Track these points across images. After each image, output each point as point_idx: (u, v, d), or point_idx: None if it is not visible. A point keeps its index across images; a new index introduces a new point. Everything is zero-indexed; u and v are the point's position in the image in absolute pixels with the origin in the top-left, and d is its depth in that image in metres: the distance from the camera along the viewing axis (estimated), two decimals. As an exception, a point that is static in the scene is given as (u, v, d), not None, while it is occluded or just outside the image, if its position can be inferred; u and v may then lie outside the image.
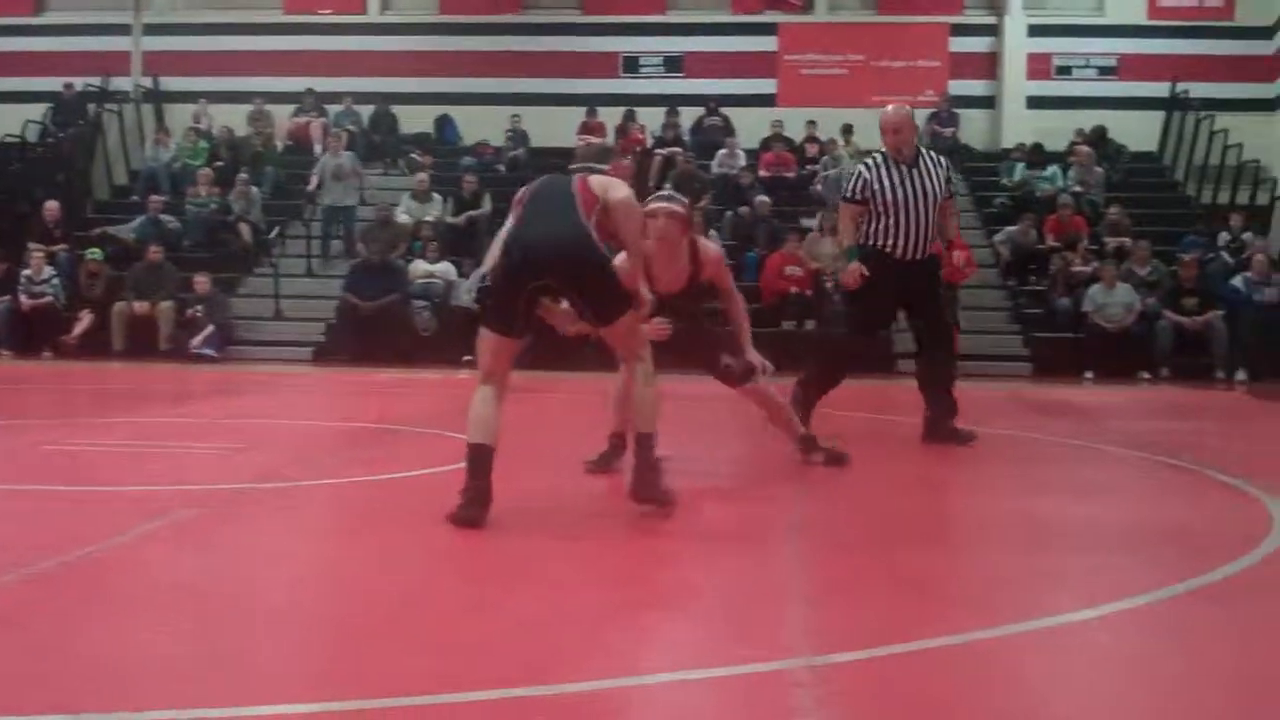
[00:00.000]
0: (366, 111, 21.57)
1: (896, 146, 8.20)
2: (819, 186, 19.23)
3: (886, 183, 8.12)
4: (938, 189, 8.16)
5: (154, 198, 18.98)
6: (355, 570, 4.72)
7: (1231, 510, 6.20)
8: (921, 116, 20.33)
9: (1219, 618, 4.14)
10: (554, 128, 20.49)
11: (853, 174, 8.48)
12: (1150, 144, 20.91)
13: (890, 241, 8.15)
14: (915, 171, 8.14)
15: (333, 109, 21.59)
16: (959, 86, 21.28)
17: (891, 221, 8.11)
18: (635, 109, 20.95)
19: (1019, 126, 20.89)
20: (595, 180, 5.49)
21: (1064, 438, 9.37)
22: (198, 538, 5.16)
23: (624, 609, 4.09)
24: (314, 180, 18.84)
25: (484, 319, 5.46)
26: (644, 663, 3.54)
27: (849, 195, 8.32)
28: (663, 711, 3.16)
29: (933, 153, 8.48)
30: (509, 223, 5.56)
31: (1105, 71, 21.47)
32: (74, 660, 3.43)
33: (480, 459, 5.22)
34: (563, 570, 4.60)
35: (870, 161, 8.34)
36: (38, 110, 21.30)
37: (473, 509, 5.13)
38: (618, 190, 5.43)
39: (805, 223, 17.66)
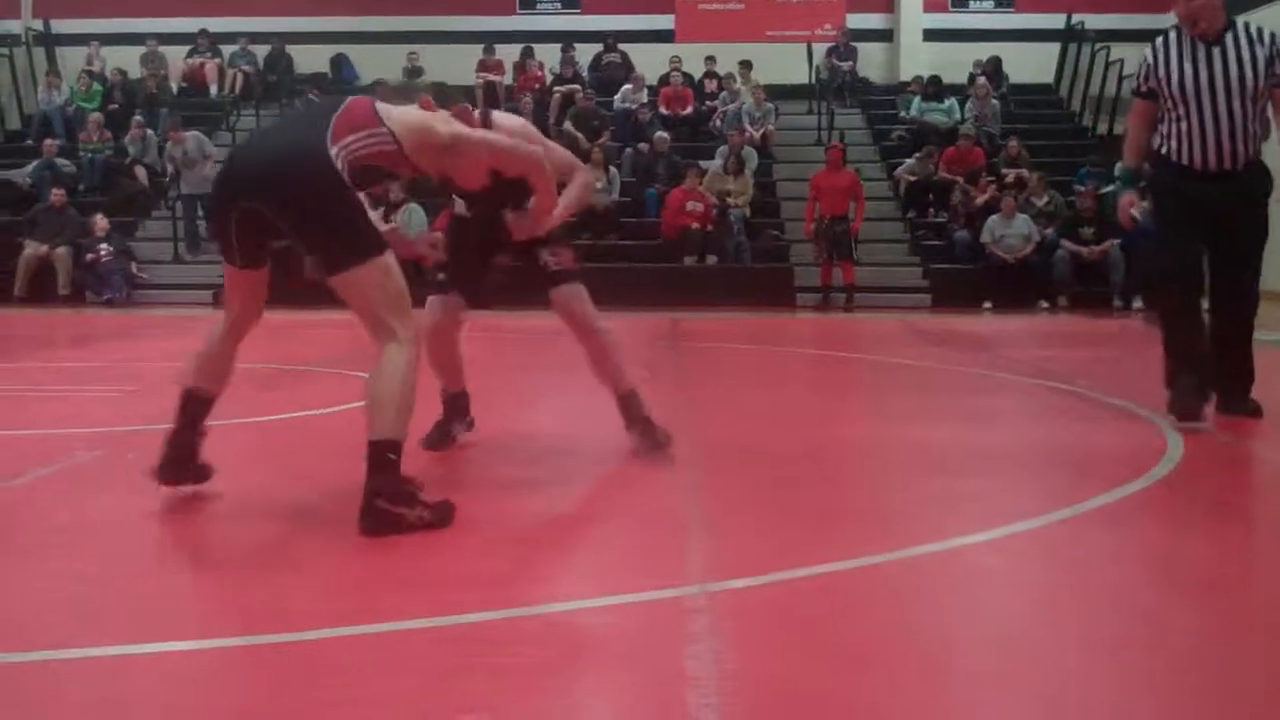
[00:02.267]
0: (262, 52, 21.25)
1: (1192, 17, 6.22)
2: (718, 122, 19.27)
3: (1179, 67, 6.24)
4: (1256, 74, 6.17)
5: (49, 142, 18.62)
6: (245, 508, 4.71)
7: (1125, 434, 6.32)
8: (819, 51, 20.47)
9: (1108, 539, 4.26)
10: (452, 65, 20.26)
11: (1141, 60, 6.46)
12: (1047, 76, 21.13)
13: (1186, 148, 6.25)
14: (1220, 51, 6.19)
15: (227, 49, 21.25)
16: (857, 20, 21.36)
17: (1188, 121, 6.22)
18: (533, 45, 20.81)
19: (916, 60, 21.03)
20: (388, 109, 4.37)
21: (959, 366, 9.53)
22: (95, 479, 5.13)
23: (518, 542, 4.13)
24: (169, 170, 18.22)
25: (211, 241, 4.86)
26: (541, 593, 3.59)
27: (1136, 88, 6.48)
28: (561, 638, 3.21)
29: (1252, 26, 6.33)
30: None
31: (1002, 3, 21.65)
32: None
33: (192, 405, 4.51)
34: (462, 510, 4.62)
35: (1160, 41, 6.38)
36: (-77, 54, 20.77)
37: (171, 467, 4.47)
38: (439, 125, 4.42)
39: (704, 162, 17.67)
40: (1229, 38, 6.21)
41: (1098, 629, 3.29)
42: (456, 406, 5.71)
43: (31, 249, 16.46)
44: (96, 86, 20.45)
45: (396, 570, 3.75)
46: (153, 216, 18.20)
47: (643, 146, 18.54)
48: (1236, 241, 6.32)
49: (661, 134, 18.50)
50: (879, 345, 11.97)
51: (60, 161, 18.37)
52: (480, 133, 4.66)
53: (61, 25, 21.75)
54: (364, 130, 4.23)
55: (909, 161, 18.16)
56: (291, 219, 4.17)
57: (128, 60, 20.96)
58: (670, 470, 5.28)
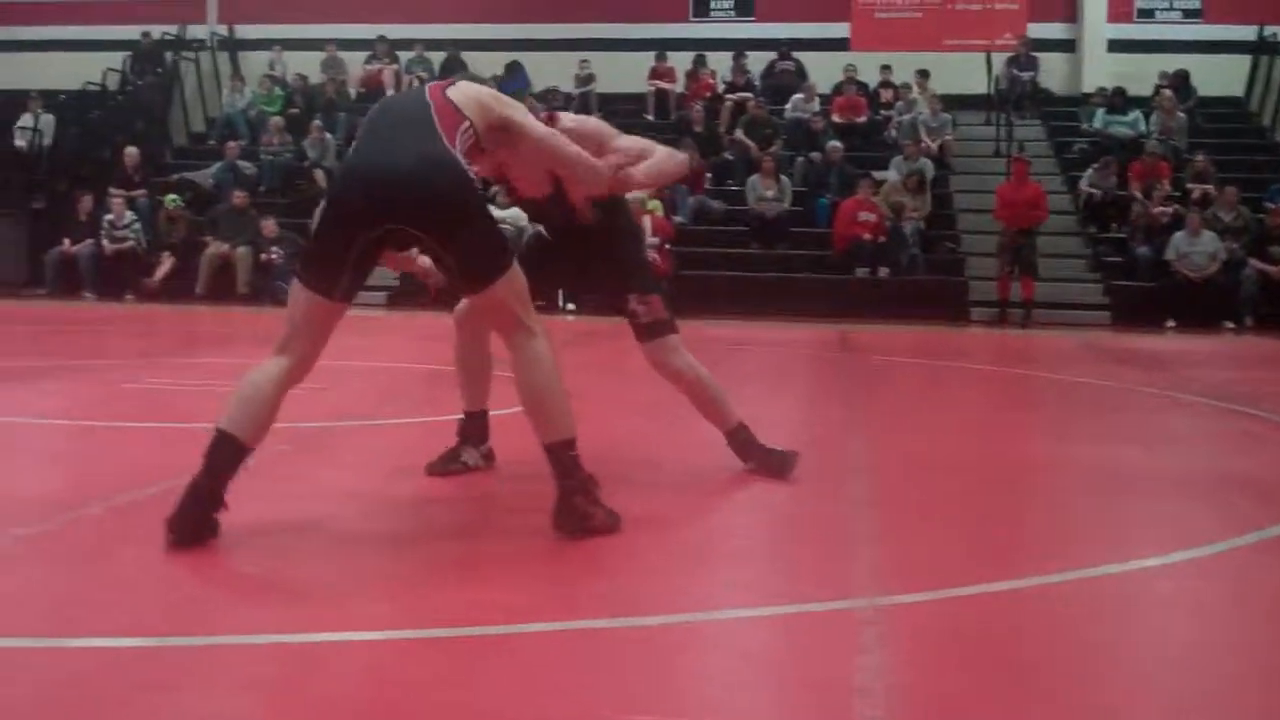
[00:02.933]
0: (437, 58, 21.60)
1: None
2: (893, 132, 19.07)
3: None
4: None
5: (231, 144, 19.18)
6: (435, 504, 4.77)
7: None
8: (999, 61, 20.13)
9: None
10: (623, 73, 20.44)
11: None
12: (1236, 89, 20.49)
13: None
14: None
15: (404, 55, 21.65)
16: (1038, 29, 20.92)
17: None
18: (705, 54, 20.82)
19: (1099, 70, 20.55)
20: (459, 91, 4.15)
21: (1139, 386, 9.28)
22: (279, 473, 5.24)
23: (692, 550, 4.11)
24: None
25: (302, 271, 4.10)
26: (712, 600, 3.57)
27: None
28: (730, 646, 3.19)
29: None
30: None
31: (1190, 14, 21.04)
32: (155, 586, 3.53)
33: (222, 453, 3.90)
34: (633, 513, 4.62)
35: None
36: (117, 59, 21.50)
37: (186, 524, 3.81)
38: (494, 103, 4.17)
39: (877, 173, 17.49)
40: None
41: (1271, 660, 3.16)
42: (473, 429, 5.18)
43: (214, 248, 16.96)
44: (278, 91, 21.01)
45: (578, 572, 3.76)
46: (331, 219, 18.58)
47: (814, 155, 18.43)
48: None
49: (834, 143, 18.37)
50: (1056, 362, 11.71)
51: (242, 163, 18.90)
52: (536, 124, 4.28)
53: (245, 30, 22.37)
54: (457, 127, 4.02)
55: (1089, 173, 17.74)
56: (445, 235, 3.96)
57: (308, 65, 21.48)
58: (840, 483, 5.22)
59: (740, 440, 5.14)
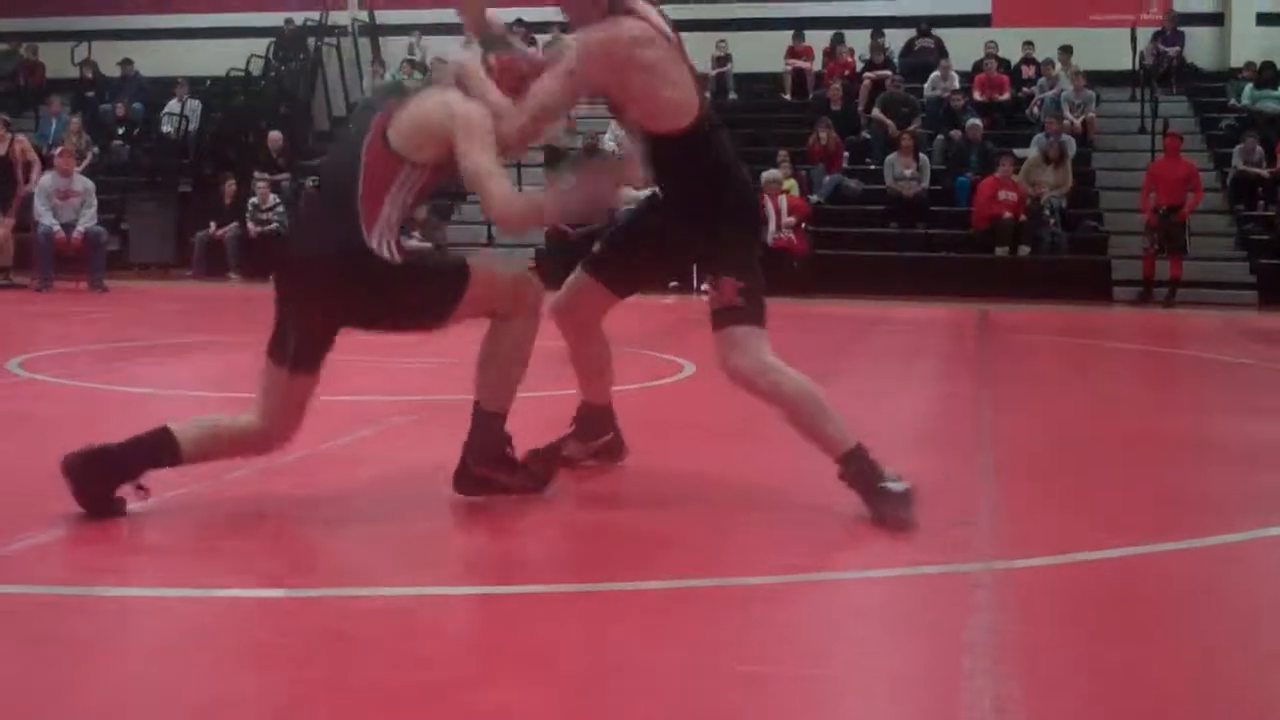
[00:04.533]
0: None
1: None
2: (1036, 109, 18.77)
3: None
4: None
5: (375, 128, 19.51)
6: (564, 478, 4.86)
7: None
8: (1144, 36, 19.70)
9: None
10: (761, 53, 20.39)
11: None
12: (1394, 60, 19.84)
13: None
14: None
15: (541, 38, 21.80)
16: (1184, 3, 20.44)
17: None
18: (844, 32, 20.67)
19: (1249, 44, 19.99)
20: (406, 120, 3.88)
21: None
22: (410, 441, 5.38)
23: (809, 513, 4.13)
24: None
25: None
26: (829, 561, 3.61)
27: None
28: (846, 603, 3.23)
29: None
30: None
31: (1345, -17, 20.40)
32: (291, 543, 3.67)
33: (155, 441, 3.84)
34: (749, 477, 4.66)
35: None
36: (260, 45, 21.96)
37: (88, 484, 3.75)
38: (464, 121, 3.84)
39: (1018, 151, 17.24)
40: None
41: None
42: (589, 424, 4.79)
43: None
44: (418, 75, 21.32)
45: (685, 533, 3.82)
46: (468, 200, 18.85)
47: (954, 134, 18.21)
48: None
49: (974, 121, 18.14)
50: (1200, 342, 11.48)
51: (383, 148, 19.20)
52: (478, 139, 3.85)
53: (386, 16, 22.72)
54: (389, 185, 3.84)
55: (1238, 150, 17.31)
56: (373, 324, 4.07)
57: (448, 50, 21.72)
58: (969, 453, 5.21)
59: (854, 469, 3.96)
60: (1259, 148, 17.06)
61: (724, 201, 4.18)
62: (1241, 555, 3.75)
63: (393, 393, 6.78)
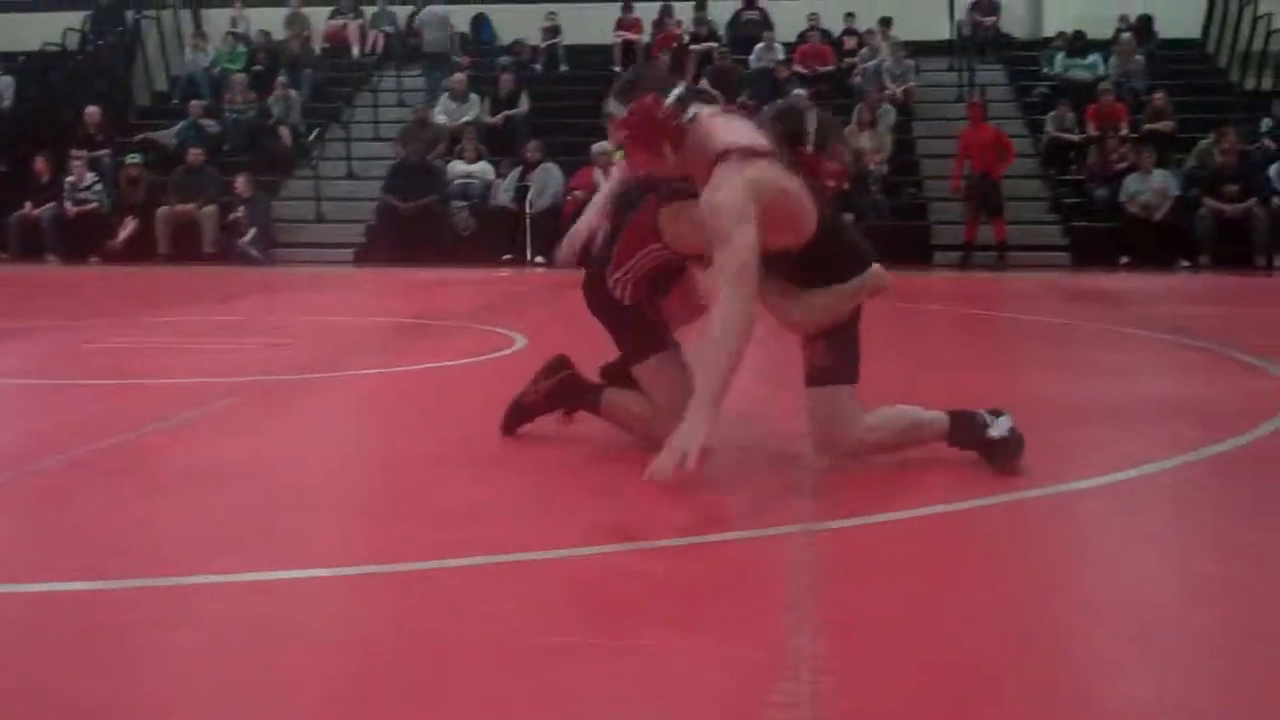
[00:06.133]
0: (403, 12, 21.54)
1: None
2: (858, 79, 19.12)
3: None
4: None
5: (194, 103, 19.12)
6: (393, 450, 4.89)
7: (1248, 388, 6.28)
8: (962, 5, 20.18)
9: (1221, 487, 4.26)
10: (590, 25, 20.43)
11: None
12: (1194, 30, 20.60)
13: None
14: None
15: (369, 10, 21.58)
16: (1000, -26, 20.99)
17: None
18: (671, 4, 20.79)
19: (1061, 14, 20.60)
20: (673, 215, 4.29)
21: (1094, 322, 9.43)
22: (238, 423, 5.34)
23: (630, 482, 4.21)
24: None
25: None
26: (648, 530, 3.68)
27: None
28: (665, 571, 3.29)
29: None
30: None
31: (1149, -44, 21.12)
32: (108, 533, 3.63)
33: None
34: (572, 447, 4.72)
35: None
36: (77, 18, 21.37)
37: None
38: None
39: (844, 122, 17.55)
40: None
41: (1201, 574, 3.30)
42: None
43: (170, 208, 16.91)
44: (241, 48, 20.95)
45: (492, 506, 3.88)
46: (295, 176, 18.61)
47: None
48: None
49: (799, 91, 18.39)
50: (1016, 302, 11.88)
51: (205, 122, 18.84)
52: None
53: (208, -12, 22.26)
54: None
55: (1050, 117, 17.87)
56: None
57: (271, 22, 21.39)
58: (789, 419, 5.33)
59: (962, 441, 4.31)
60: (1070, 114, 17.64)
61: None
62: (1047, 509, 3.92)
63: (221, 374, 6.72)
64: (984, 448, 4.22)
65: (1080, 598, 3.12)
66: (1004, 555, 3.47)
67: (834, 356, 4.20)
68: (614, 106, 4.03)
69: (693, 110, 3.97)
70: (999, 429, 4.22)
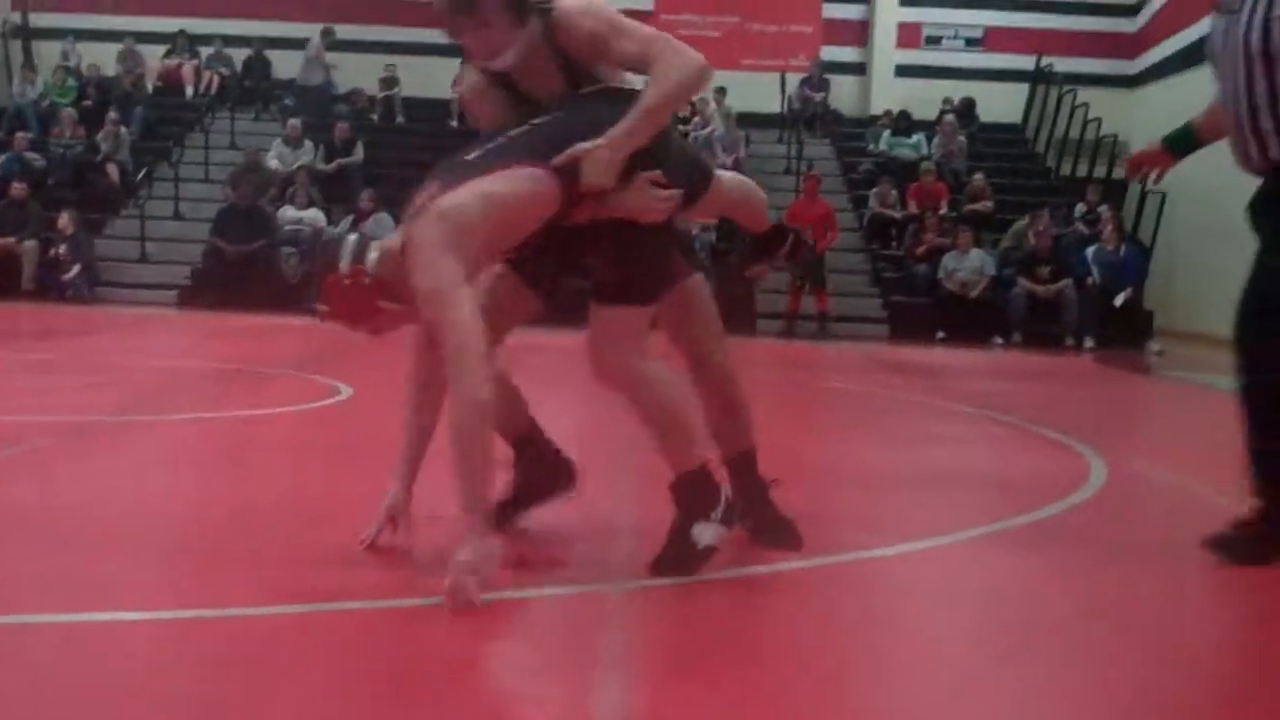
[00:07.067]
0: (239, 54, 21.36)
1: None
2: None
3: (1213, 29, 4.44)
4: (1271, 19, 4.14)
5: (19, 135, 18.70)
6: (206, 495, 4.87)
7: (1051, 462, 6.51)
8: (793, 81, 20.71)
9: (1016, 559, 4.41)
10: (429, 78, 20.48)
11: None
12: (1015, 116, 21.44)
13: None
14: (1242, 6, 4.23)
15: (205, 51, 21.37)
16: (830, 52, 21.59)
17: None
18: (511, 62, 20.90)
19: (887, 94, 21.32)
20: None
21: (907, 394, 9.72)
22: (47, 465, 5.26)
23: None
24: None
25: None
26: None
27: None
28: (498, 624, 3.35)
29: None
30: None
31: (972, 43, 21.97)
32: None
33: None
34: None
35: None
36: (-103, 42, 20.82)
37: None
38: None
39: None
40: None
41: (992, 643, 3.46)
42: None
43: (-11, 242, 16.51)
44: (71, 82, 20.55)
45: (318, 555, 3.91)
46: (121, 215, 18.29)
47: (613, 167, 18.65)
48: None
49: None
50: (832, 372, 12.18)
51: (30, 155, 18.44)
52: None
53: (39, 19, 21.83)
54: None
55: (874, 193, 18.41)
56: None
57: (104, 57, 21.05)
58: (612, 479, 5.42)
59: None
60: (893, 191, 18.21)
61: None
62: (858, 572, 4.06)
63: (33, 412, 6.60)
64: (679, 540, 3.73)
65: (883, 659, 3.25)
66: (814, 618, 3.57)
67: (625, 271, 3.76)
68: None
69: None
70: (706, 536, 3.71)
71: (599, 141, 3.51)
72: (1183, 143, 4.71)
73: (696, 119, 19.93)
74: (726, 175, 4.36)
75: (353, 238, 3.64)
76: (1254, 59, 4.17)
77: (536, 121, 3.65)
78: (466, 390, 3.29)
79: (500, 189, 3.48)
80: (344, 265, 3.55)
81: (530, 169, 3.51)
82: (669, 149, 3.74)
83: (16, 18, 21.89)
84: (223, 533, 4.23)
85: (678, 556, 3.70)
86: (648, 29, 3.68)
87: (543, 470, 4.29)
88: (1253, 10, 4.17)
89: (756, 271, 4.53)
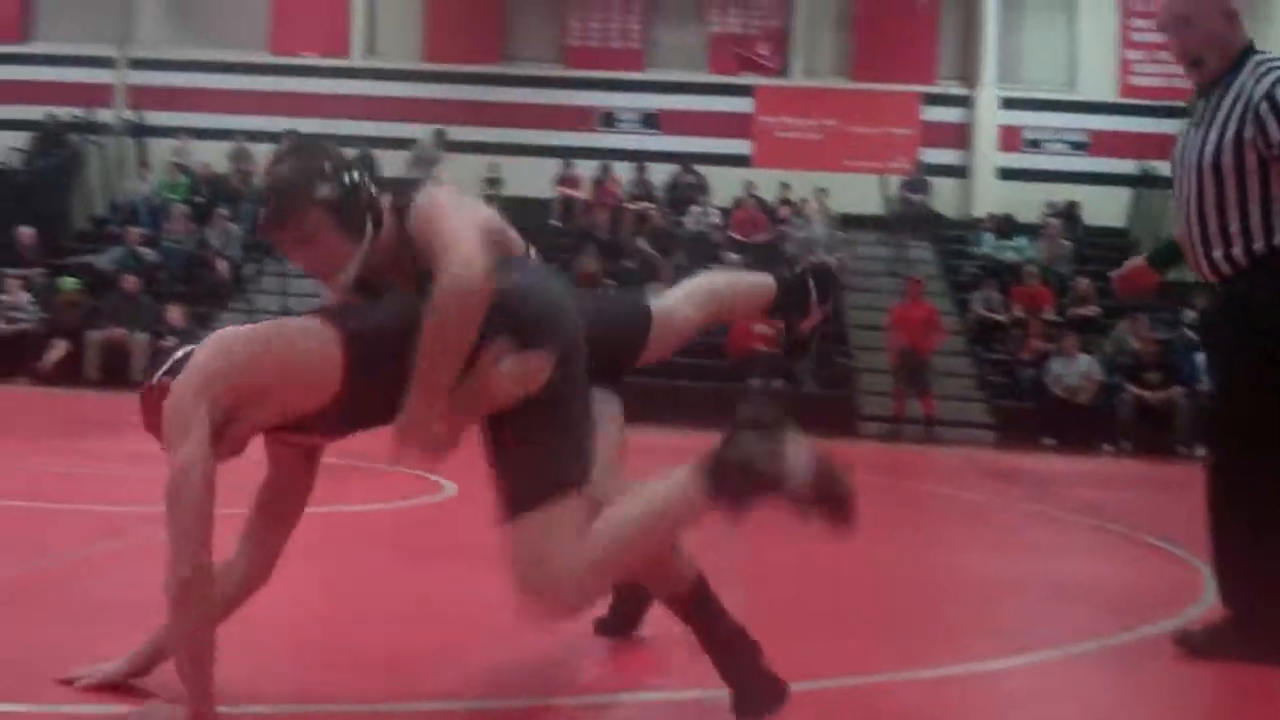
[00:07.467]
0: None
1: (1183, 54, 4.30)
2: (789, 245, 19.47)
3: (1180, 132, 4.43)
4: (1223, 136, 4.14)
5: (132, 229, 19.14)
6: (319, 589, 4.84)
7: (1164, 575, 6.35)
8: (894, 183, 20.70)
9: (1127, 674, 4.29)
10: (531, 178, 20.74)
11: None
12: (1119, 219, 21.23)
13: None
14: (1206, 106, 4.25)
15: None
16: (931, 155, 21.60)
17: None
18: (611, 163, 21.17)
19: (989, 197, 21.22)
20: None
21: (1014, 501, 9.54)
22: (157, 556, 5.26)
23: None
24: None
25: None
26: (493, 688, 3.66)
27: None
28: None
29: (1269, 63, 4.11)
30: None
31: (1076, 146, 21.84)
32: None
33: None
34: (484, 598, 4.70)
35: None
36: (21, 138, 21.43)
37: None
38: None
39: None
40: (1222, 90, 4.22)
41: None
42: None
43: (100, 333, 16.83)
44: (183, 179, 21.04)
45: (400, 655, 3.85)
46: (229, 308, 18.59)
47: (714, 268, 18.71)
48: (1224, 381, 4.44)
49: (733, 256, 18.70)
50: (939, 477, 11.99)
51: (142, 250, 18.85)
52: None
53: (153, 117, 22.42)
54: None
55: (978, 295, 18.27)
56: None
57: (215, 155, 21.54)
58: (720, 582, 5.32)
59: None
60: (997, 294, 18.03)
61: None
62: (965, 685, 3.94)
63: (139, 502, 6.63)
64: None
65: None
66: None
67: (524, 466, 3.02)
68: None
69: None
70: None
71: (399, 418, 3.01)
72: (1166, 258, 4.70)
73: (796, 219, 19.95)
74: (686, 289, 3.83)
75: (183, 351, 3.25)
76: (1205, 172, 4.20)
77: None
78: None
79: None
80: (157, 377, 3.23)
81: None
82: (515, 305, 3.03)
83: (132, 115, 22.49)
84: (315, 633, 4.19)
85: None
86: (453, 222, 3.07)
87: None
88: (1222, 126, 4.17)
89: (809, 325, 4.12)
